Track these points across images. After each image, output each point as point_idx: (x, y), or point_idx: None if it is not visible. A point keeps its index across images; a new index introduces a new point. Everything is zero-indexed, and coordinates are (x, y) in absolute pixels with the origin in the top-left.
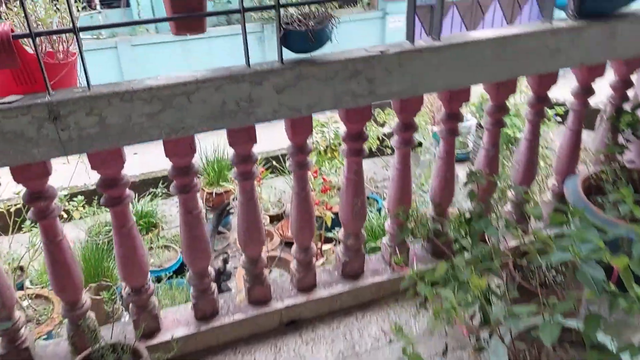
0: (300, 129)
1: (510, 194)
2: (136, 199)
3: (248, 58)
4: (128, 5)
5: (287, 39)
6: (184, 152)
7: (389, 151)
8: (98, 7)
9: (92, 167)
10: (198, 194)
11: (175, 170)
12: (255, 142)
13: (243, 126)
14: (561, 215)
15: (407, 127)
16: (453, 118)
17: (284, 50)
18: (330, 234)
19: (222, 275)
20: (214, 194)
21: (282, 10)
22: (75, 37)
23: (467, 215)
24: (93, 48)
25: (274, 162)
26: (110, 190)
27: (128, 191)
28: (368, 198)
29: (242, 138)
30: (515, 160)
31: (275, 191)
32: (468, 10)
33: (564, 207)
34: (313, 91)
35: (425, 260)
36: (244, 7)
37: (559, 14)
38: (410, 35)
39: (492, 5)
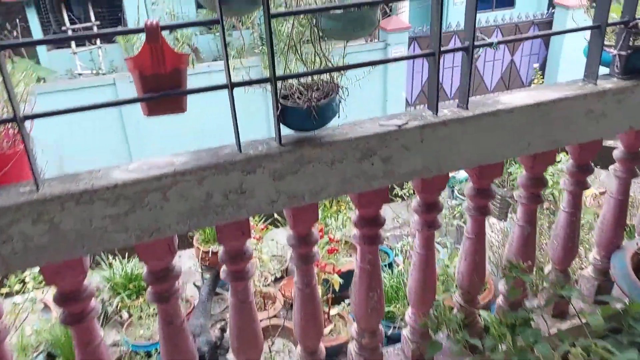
0: (303, 217)
1: (547, 269)
2: (126, 259)
3: (239, 141)
4: (128, 40)
5: (286, 115)
6: (160, 255)
7: (399, 200)
8: (98, 41)
9: (46, 281)
10: (180, 300)
11: (150, 275)
12: (249, 236)
13: (233, 221)
14: (612, 309)
15: (430, 207)
16: (483, 195)
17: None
18: (339, 308)
19: (219, 349)
20: (210, 253)
21: (279, 81)
22: (17, 127)
23: (509, 318)
24: (91, 85)
25: (275, 214)
26: (70, 306)
27: (94, 302)
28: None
29: (233, 233)
30: (554, 236)
31: (277, 245)
32: None
33: (611, 295)
34: (318, 176)
35: (453, 356)
36: (232, 82)
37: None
38: (434, 105)
39: (493, 35)
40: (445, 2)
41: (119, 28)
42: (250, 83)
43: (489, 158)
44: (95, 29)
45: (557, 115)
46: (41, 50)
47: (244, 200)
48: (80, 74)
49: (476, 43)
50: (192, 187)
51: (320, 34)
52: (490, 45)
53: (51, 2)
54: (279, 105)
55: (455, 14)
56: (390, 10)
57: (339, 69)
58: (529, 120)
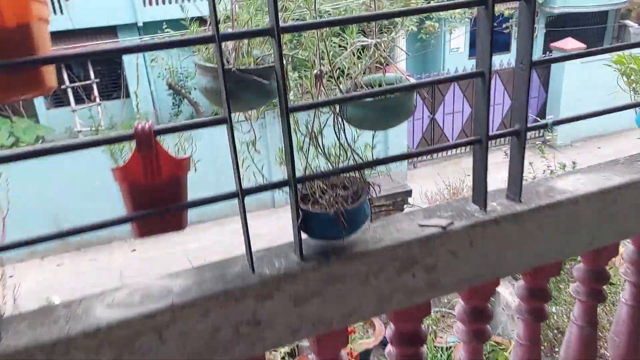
0: (330, 343)
1: None
2: None
3: (251, 257)
4: (128, 96)
5: (308, 222)
6: None
7: None
8: (97, 98)
9: None
10: None
11: None
12: None
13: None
14: None
15: (479, 315)
16: (539, 296)
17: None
18: None
19: None
20: None
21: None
22: None
23: None
24: None
25: None
26: None
27: None
28: None
29: None
30: (614, 332)
31: None
32: (470, 87)
33: None
34: (349, 296)
35: None
36: (242, 188)
37: None
38: (481, 198)
39: (493, 82)
40: (442, 50)
41: (101, 136)
42: (264, 189)
43: (547, 258)
44: (94, 86)
45: (624, 204)
46: (40, 108)
47: (259, 333)
48: (79, 132)
49: (529, 125)
50: (194, 323)
51: (347, 123)
52: (545, 127)
53: None
54: (300, 211)
55: (452, 61)
56: (387, 59)
57: (371, 164)
58: (592, 211)
